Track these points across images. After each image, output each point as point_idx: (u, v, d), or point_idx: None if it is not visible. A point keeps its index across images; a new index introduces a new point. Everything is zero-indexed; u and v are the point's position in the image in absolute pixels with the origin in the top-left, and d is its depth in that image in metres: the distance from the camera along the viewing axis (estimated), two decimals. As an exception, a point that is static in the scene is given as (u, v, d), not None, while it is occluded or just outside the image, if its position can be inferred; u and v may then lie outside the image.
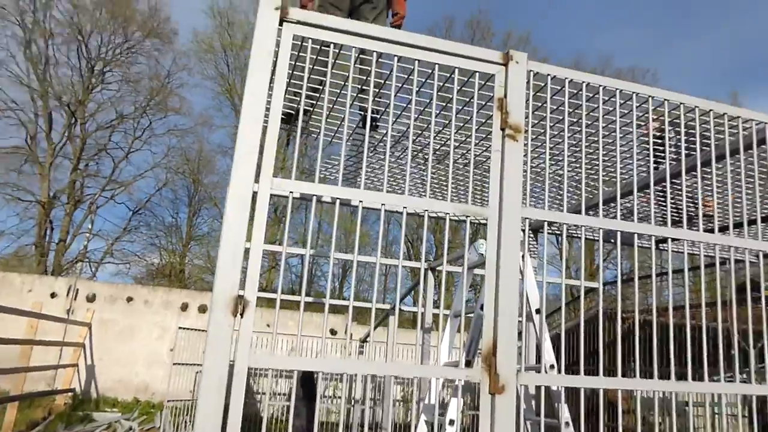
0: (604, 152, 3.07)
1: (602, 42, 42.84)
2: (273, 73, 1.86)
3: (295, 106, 2.88)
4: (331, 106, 2.67)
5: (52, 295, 13.78)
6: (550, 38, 40.13)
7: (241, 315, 1.80)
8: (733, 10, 37.99)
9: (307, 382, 12.46)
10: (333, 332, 15.63)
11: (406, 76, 2.20)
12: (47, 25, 24.17)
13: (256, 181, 1.81)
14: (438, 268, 5.14)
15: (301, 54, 2.26)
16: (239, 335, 1.81)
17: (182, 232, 27.64)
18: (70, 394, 12.80)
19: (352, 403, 10.32)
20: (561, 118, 2.56)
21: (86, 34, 24.98)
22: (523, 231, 2.04)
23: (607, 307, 9.31)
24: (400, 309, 7.83)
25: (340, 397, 13.35)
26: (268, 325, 14.96)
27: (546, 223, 2.16)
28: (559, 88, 2.24)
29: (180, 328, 11.09)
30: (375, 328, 10.78)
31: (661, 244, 4.65)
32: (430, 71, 2.10)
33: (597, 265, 26.08)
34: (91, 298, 13.88)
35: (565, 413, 2.34)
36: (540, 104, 2.39)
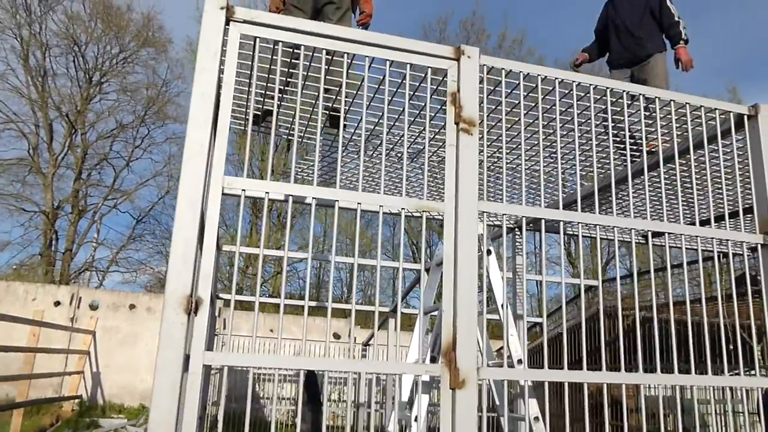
0: (566, 145, 3.06)
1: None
2: (221, 72, 1.87)
3: (262, 107, 2.89)
4: (292, 105, 2.68)
5: (56, 304, 13.87)
6: (546, 38, 40.08)
7: (195, 313, 1.81)
8: (732, 4, 37.82)
9: (311, 386, 12.47)
10: (337, 336, 15.65)
11: (363, 75, 2.21)
12: (44, 37, 24.38)
13: (207, 180, 1.82)
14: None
15: (260, 54, 2.27)
16: (194, 333, 1.82)
17: (188, 239, 27.67)
18: (77, 400, 12.87)
19: (357, 406, 10.31)
20: (525, 112, 2.56)
21: (82, 45, 25.15)
22: (488, 225, 2.04)
23: (607, 304, 9.24)
24: (401, 311, 7.80)
25: (344, 401, 13.35)
26: (272, 330, 15.01)
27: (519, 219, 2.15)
28: (517, 82, 2.23)
29: (181, 334, 11.10)
30: (377, 330, 10.79)
31: (656, 238, 4.64)
32: (388, 69, 2.11)
33: (606, 262, 25.95)
34: (93, 307, 13.95)
35: (533, 408, 2.33)
36: (503, 99, 2.38)
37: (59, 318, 13.50)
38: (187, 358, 1.80)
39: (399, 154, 3.38)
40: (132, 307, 14.18)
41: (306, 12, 3.80)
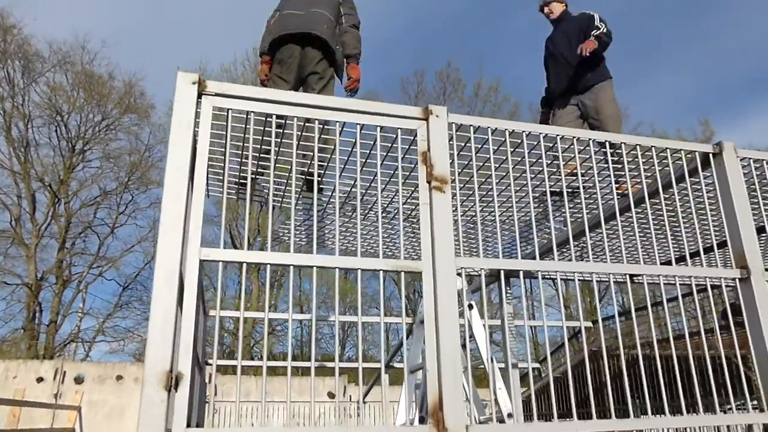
0: (540, 195, 3.12)
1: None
2: (195, 144, 1.90)
3: (239, 173, 2.93)
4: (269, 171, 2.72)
5: (39, 380, 13.48)
6: (521, 83, 41.34)
7: (175, 389, 1.77)
8: (698, 37, 39.40)
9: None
10: (331, 395, 15.33)
11: (338, 138, 2.25)
12: (26, 108, 24.63)
13: (184, 251, 1.82)
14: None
15: (241, 125, 2.32)
16: (174, 410, 1.78)
17: (176, 303, 27.30)
18: (61, 482, 12.35)
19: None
20: (497, 166, 2.61)
21: (65, 115, 25.41)
22: (468, 281, 2.05)
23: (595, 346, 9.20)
24: (391, 366, 7.67)
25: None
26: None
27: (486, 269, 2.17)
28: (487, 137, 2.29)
29: (170, 403, 10.81)
30: (370, 389, 10.60)
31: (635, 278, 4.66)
32: (359, 133, 2.17)
33: (600, 300, 25.88)
34: (79, 380, 13.58)
35: (526, 462, 2.29)
36: (473, 154, 2.44)
37: (42, 395, 13.09)
38: (169, 434, 1.75)
39: (377, 214, 3.41)
40: (119, 378, 13.83)
41: (289, 82, 3.88)
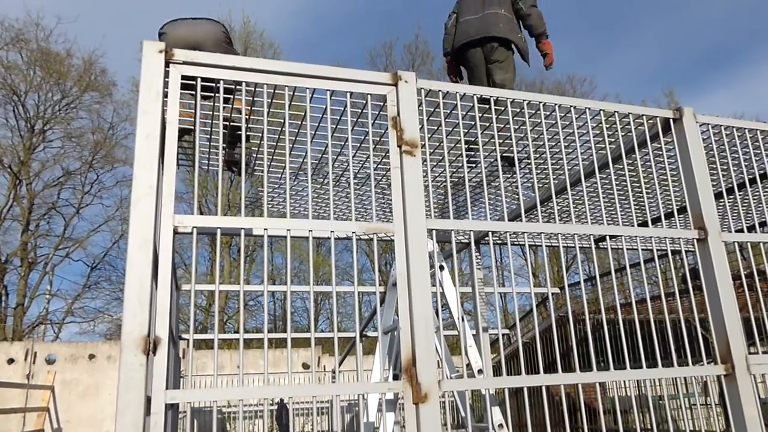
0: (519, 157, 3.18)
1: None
2: (165, 113, 1.90)
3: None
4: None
5: (9, 361, 13.30)
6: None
7: (153, 353, 1.81)
8: (658, 12, 39.77)
9: (283, 419, 12.32)
10: (306, 366, 15.48)
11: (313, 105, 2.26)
12: (-20, 89, 23.66)
13: (157, 219, 1.84)
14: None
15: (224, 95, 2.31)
16: (154, 373, 1.81)
17: (146, 282, 26.97)
18: (37, 461, 12.28)
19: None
20: (466, 131, 2.66)
21: (22, 95, 24.49)
22: (440, 243, 2.10)
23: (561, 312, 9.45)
24: (365, 335, 7.77)
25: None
26: (239, 367, 14.71)
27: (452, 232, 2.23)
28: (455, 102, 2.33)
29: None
30: (344, 358, 10.75)
31: (600, 243, 4.79)
32: (329, 99, 2.18)
33: (567, 267, 26.43)
34: (50, 361, 13.43)
35: (496, 416, 2.39)
36: (442, 120, 2.48)
37: (14, 376, 12.93)
38: (148, 400, 1.79)
39: (349, 180, 3.44)
40: (92, 357, 13.71)
41: (483, 81, 4.28)
